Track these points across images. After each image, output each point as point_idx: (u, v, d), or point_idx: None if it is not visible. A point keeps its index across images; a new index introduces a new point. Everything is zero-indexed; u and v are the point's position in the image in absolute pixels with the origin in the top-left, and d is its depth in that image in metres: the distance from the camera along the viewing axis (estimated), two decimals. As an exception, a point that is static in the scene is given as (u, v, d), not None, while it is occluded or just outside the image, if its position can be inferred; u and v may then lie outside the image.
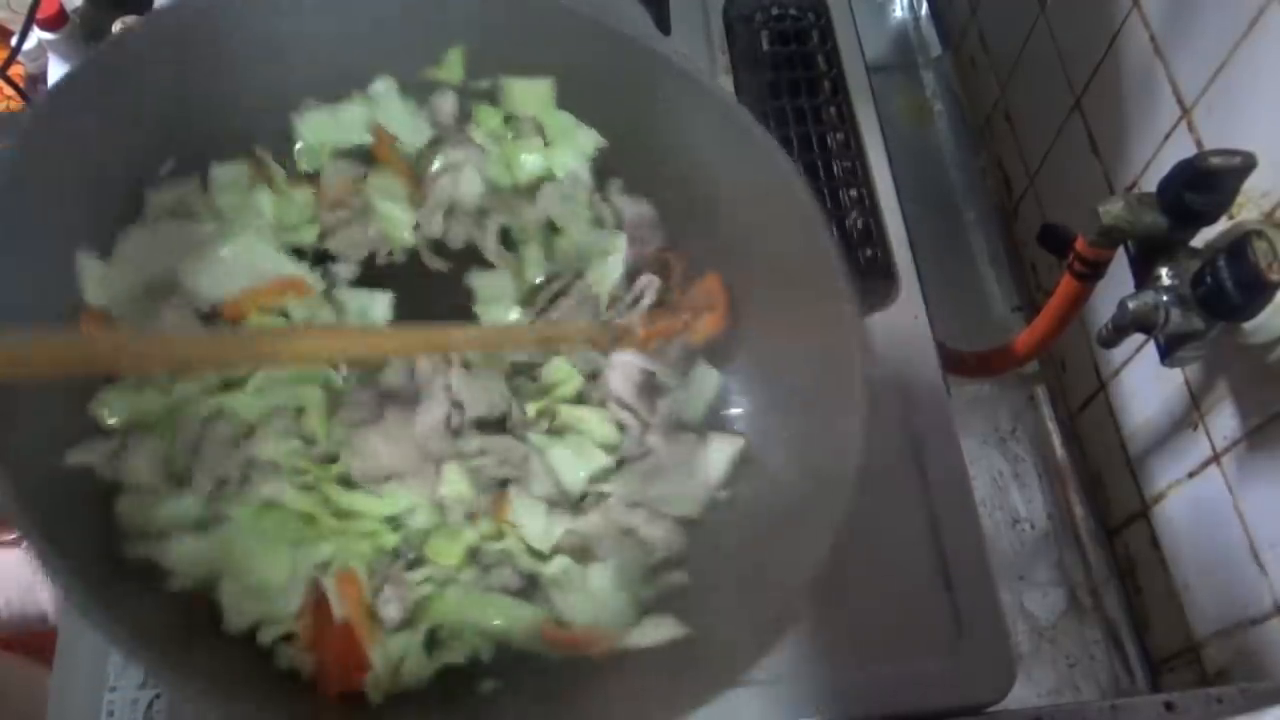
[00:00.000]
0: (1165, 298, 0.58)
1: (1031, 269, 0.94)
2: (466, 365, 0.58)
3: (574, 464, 0.57)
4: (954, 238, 0.98)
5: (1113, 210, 0.59)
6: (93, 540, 0.48)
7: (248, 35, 0.58)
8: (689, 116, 0.59)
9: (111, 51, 0.55)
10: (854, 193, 0.81)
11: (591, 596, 0.54)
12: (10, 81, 1.22)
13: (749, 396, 0.61)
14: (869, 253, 0.78)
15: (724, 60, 0.91)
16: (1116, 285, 0.62)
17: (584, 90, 0.63)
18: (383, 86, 0.63)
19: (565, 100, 0.64)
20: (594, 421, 0.59)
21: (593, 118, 0.64)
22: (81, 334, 0.50)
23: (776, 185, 0.55)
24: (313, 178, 0.62)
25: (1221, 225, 0.60)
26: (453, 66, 0.63)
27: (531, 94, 0.64)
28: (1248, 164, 0.55)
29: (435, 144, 0.64)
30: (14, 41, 1.11)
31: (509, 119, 0.65)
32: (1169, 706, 0.60)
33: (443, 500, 0.54)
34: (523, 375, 0.60)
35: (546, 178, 0.64)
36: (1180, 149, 0.68)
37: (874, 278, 0.77)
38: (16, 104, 1.40)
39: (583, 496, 0.57)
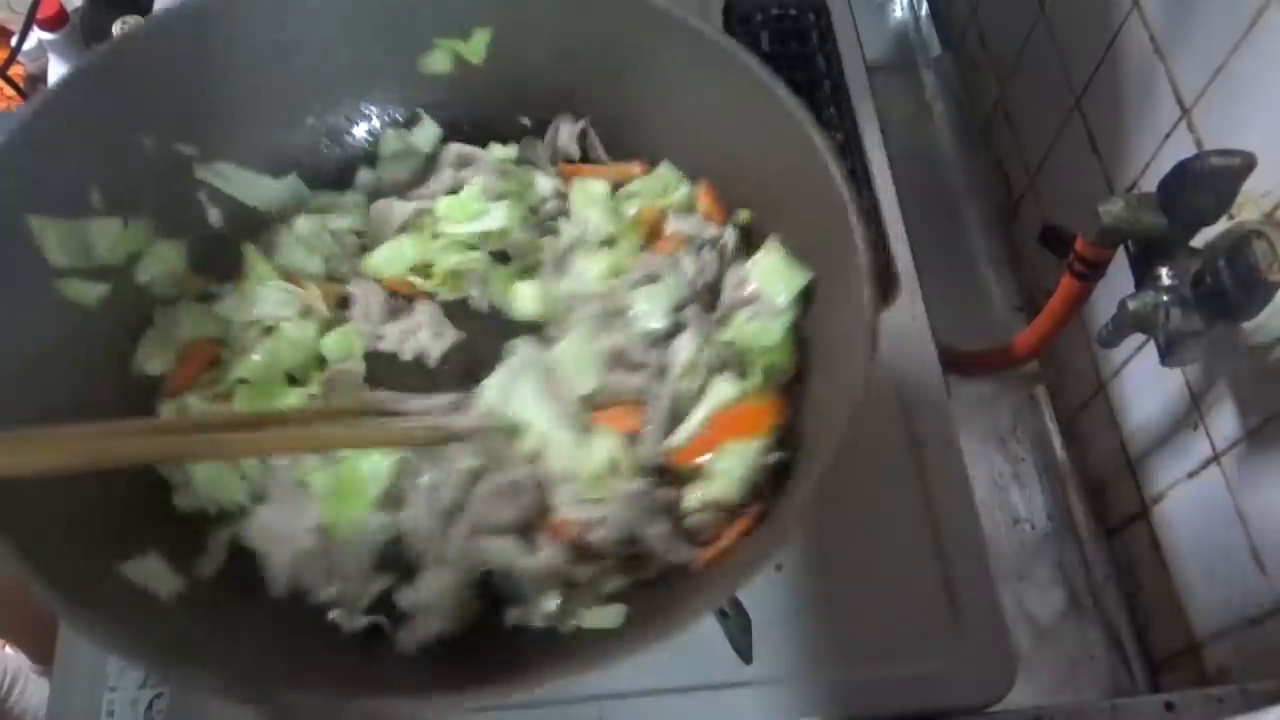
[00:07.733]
0: (1165, 298, 0.58)
1: (1031, 269, 0.94)
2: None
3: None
4: (954, 238, 0.98)
5: (1113, 210, 0.59)
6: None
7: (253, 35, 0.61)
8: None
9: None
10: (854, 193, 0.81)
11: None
12: (10, 81, 1.22)
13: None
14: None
15: (724, 60, 0.91)
16: (1116, 285, 0.62)
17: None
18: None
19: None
20: None
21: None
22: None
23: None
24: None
25: (1221, 225, 0.60)
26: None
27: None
28: (1248, 164, 0.55)
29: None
30: (14, 41, 1.11)
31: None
32: (1169, 706, 0.60)
33: None
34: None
35: None
36: (1180, 149, 0.68)
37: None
38: (17, 103, 1.41)
39: None
